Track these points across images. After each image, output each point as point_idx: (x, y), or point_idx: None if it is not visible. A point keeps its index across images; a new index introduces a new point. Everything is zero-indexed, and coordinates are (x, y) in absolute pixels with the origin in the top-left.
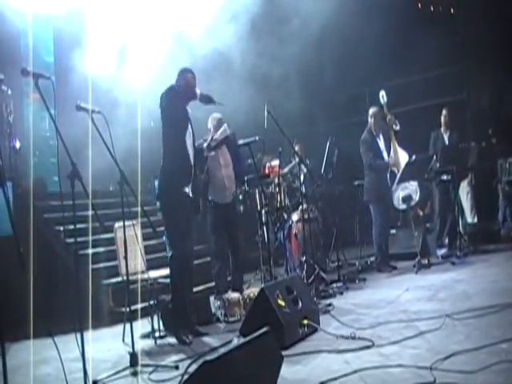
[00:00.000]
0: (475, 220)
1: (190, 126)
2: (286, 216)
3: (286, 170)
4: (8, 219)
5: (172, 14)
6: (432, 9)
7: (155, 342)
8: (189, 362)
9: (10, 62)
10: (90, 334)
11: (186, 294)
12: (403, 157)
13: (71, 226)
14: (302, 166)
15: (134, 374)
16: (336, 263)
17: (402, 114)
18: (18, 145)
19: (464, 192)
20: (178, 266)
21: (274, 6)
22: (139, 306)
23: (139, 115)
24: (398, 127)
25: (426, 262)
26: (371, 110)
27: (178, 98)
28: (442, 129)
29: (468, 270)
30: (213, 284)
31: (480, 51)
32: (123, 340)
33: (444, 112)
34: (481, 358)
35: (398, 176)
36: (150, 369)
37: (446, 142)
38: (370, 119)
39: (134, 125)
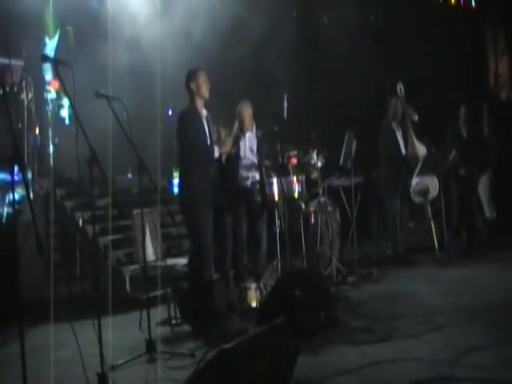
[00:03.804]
0: (494, 215)
1: (206, 130)
2: (303, 206)
3: (303, 160)
4: (27, 205)
5: None
6: (453, 2)
7: (172, 329)
8: (205, 349)
9: (32, 48)
10: (107, 320)
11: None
12: (421, 150)
13: (90, 213)
14: (320, 157)
15: (151, 360)
16: (353, 255)
17: (421, 107)
18: (37, 132)
19: (482, 187)
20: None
21: None
22: (156, 293)
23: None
24: (415, 117)
25: (444, 255)
26: (391, 102)
27: (190, 120)
28: (461, 123)
29: (486, 265)
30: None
31: (501, 43)
32: (140, 327)
33: (463, 106)
34: (499, 353)
35: (417, 169)
36: (167, 356)
37: (465, 137)
38: (389, 111)
39: (153, 111)
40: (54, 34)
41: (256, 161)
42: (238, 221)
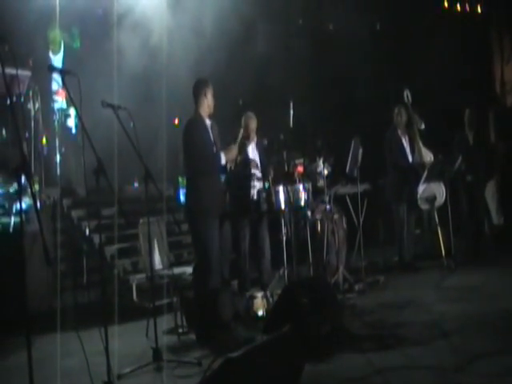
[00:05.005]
0: (501, 221)
1: (212, 139)
2: (309, 215)
3: (309, 168)
4: (35, 215)
5: None
6: (458, 8)
7: (178, 338)
8: (212, 358)
9: (39, 58)
10: (114, 329)
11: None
12: (428, 156)
13: (96, 222)
14: (326, 165)
15: (158, 369)
16: (359, 263)
17: (426, 113)
18: (44, 141)
19: (489, 193)
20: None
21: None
22: (163, 301)
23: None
24: (422, 126)
25: (452, 262)
26: (396, 109)
27: (196, 130)
28: (467, 129)
29: (494, 272)
30: (236, 281)
31: (506, 49)
32: (147, 335)
33: (468, 112)
34: (507, 361)
35: (424, 176)
36: (173, 364)
37: (471, 143)
38: (394, 118)
39: (159, 120)
40: (60, 48)
41: (259, 170)
42: (241, 229)
